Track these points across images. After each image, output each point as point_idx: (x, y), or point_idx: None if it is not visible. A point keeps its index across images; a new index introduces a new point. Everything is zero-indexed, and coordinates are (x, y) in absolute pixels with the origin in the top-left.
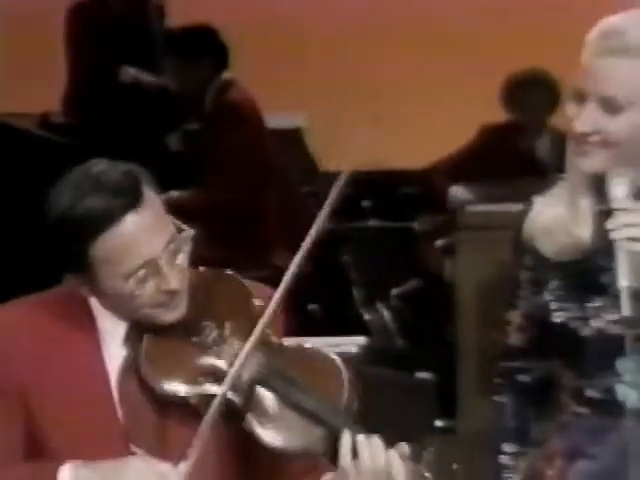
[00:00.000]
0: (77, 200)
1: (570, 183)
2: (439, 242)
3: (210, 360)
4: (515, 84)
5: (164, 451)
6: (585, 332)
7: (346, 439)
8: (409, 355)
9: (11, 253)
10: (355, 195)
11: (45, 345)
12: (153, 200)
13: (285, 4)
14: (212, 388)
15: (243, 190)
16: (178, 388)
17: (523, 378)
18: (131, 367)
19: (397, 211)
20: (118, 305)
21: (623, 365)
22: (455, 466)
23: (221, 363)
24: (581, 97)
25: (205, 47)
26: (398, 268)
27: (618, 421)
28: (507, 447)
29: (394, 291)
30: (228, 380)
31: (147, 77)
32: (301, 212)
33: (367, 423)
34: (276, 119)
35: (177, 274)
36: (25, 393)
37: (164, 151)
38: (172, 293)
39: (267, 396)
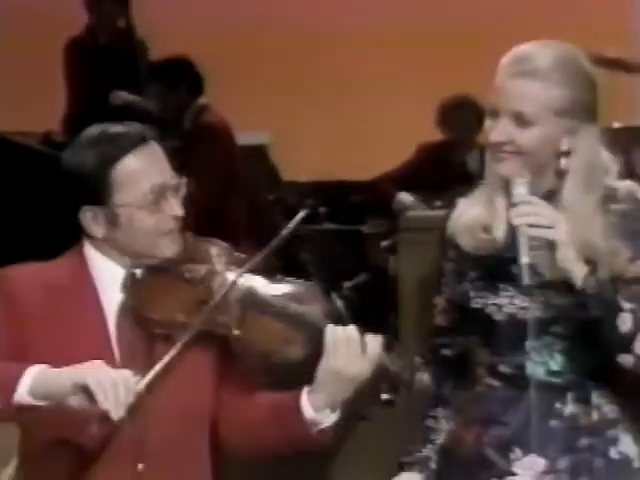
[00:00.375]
0: (95, 143)
1: (488, 187)
2: (384, 242)
3: (202, 290)
4: (447, 108)
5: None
6: (498, 317)
7: (329, 329)
8: None
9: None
10: (312, 202)
11: (51, 298)
12: (157, 147)
13: (252, 38)
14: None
15: (215, 197)
16: (175, 316)
17: (445, 352)
18: (127, 310)
19: (348, 216)
20: (128, 236)
21: (531, 345)
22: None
23: (212, 291)
24: (496, 113)
25: (183, 76)
26: (349, 264)
27: (526, 393)
28: (433, 412)
29: (346, 284)
30: (216, 299)
31: (135, 99)
32: (267, 215)
33: None
34: (245, 137)
35: (179, 204)
36: (25, 334)
37: None
38: (176, 220)
39: (256, 312)
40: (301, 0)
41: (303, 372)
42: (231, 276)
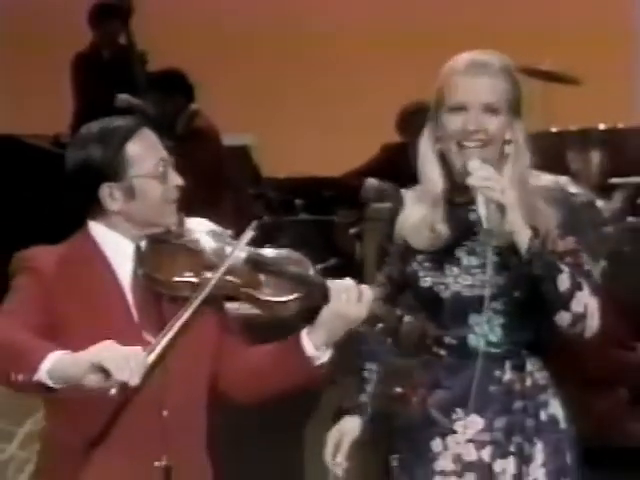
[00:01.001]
0: (96, 138)
1: (430, 189)
2: (352, 230)
3: (204, 257)
4: (405, 114)
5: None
6: (445, 294)
7: (331, 282)
8: None
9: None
10: (290, 196)
11: (71, 272)
12: (150, 132)
13: (237, 53)
14: (212, 275)
15: (205, 191)
16: (181, 278)
17: None
18: (139, 277)
19: (321, 208)
20: (141, 205)
21: (474, 320)
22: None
23: (213, 259)
24: (464, 107)
25: (176, 86)
26: (322, 249)
27: (468, 361)
28: (368, 365)
29: (319, 266)
30: (224, 263)
31: (136, 102)
32: (249, 207)
33: None
34: (230, 138)
35: (178, 175)
36: (54, 302)
37: None
38: (178, 190)
39: (261, 271)
40: (280, 20)
41: (293, 326)
42: (228, 246)
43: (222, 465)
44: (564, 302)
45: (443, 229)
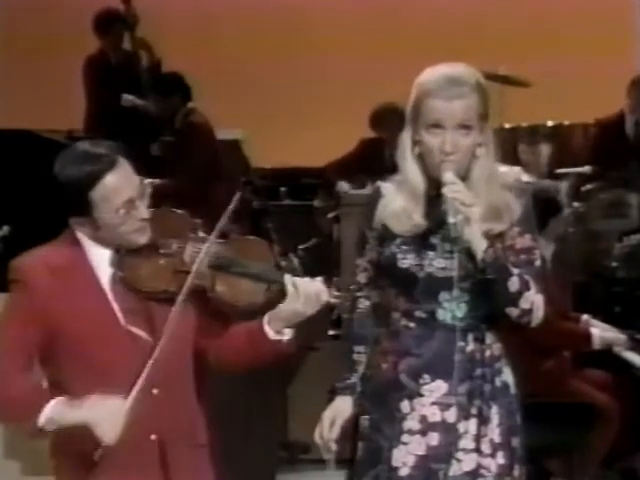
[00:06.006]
0: (76, 166)
1: (409, 181)
2: (330, 214)
3: (175, 262)
4: (378, 112)
5: (152, 327)
6: (420, 275)
7: (287, 278)
8: None
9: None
10: (275, 183)
11: (56, 279)
12: (125, 163)
13: (229, 58)
14: (185, 280)
15: (200, 180)
16: (156, 287)
17: (365, 302)
18: (117, 278)
19: (303, 194)
20: (108, 235)
21: (443, 297)
22: None
23: (185, 261)
24: (440, 126)
25: (176, 87)
26: (303, 231)
27: (435, 332)
28: (356, 348)
29: (300, 246)
30: (193, 269)
31: (139, 101)
32: (240, 193)
33: None
34: (223, 133)
35: (145, 208)
36: (45, 311)
37: (148, 155)
38: (144, 221)
39: (224, 273)
40: (270, 29)
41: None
42: (198, 247)
43: (212, 423)
44: (513, 301)
45: (421, 220)
